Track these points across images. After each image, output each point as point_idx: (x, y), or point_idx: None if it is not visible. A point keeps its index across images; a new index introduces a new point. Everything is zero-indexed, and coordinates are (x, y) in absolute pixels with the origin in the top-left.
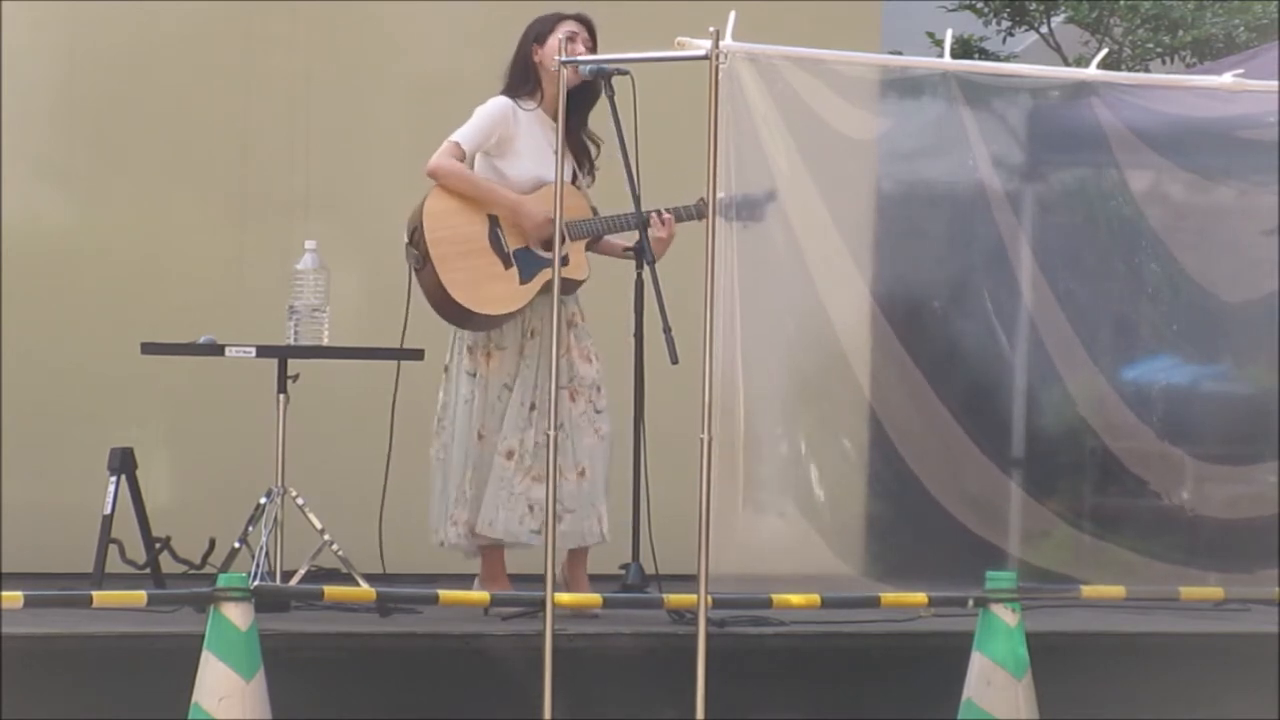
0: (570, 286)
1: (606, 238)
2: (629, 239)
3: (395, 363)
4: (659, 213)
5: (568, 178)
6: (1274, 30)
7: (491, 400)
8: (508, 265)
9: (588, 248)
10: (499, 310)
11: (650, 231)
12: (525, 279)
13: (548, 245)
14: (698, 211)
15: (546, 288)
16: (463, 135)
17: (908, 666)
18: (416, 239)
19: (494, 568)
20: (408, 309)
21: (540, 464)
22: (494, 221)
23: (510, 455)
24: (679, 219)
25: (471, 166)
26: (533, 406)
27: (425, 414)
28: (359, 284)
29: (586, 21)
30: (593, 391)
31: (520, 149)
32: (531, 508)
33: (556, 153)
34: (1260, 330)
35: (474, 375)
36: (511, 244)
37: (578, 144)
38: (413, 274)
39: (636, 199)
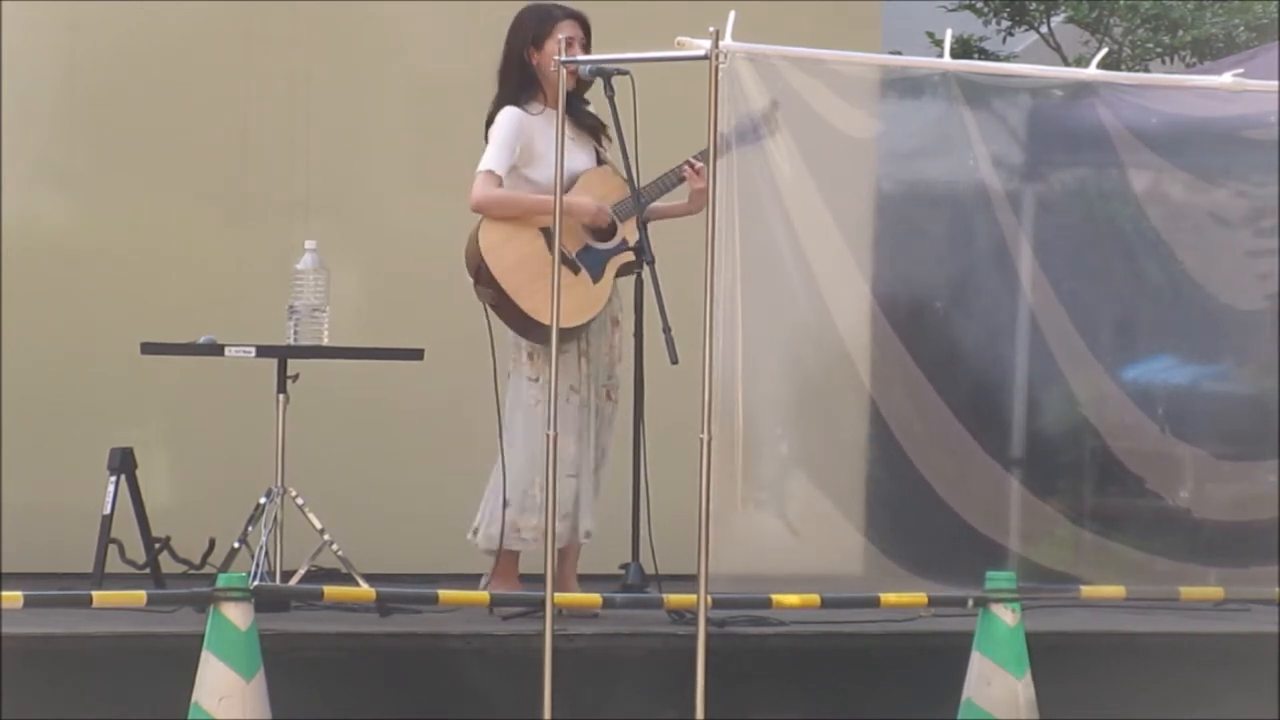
0: (634, 269)
1: (658, 206)
2: (679, 195)
3: (402, 363)
4: (690, 163)
5: (594, 164)
6: (1274, 30)
7: (560, 404)
8: (576, 271)
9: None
10: (589, 316)
11: (690, 184)
12: (596, 277)
13: (600, 234)
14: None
15: (620, 272)
16: (492, 161)
17: (908, 666)
18: (484, 277)
19: (508, 567)
20: (493, 347)
21: (583, 461)
22: (546, 234)
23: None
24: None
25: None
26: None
27: (425, 414)
28: (359, 284)
29: (581, 18)
30: (619, 390)
31: (540, 152)
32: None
33: (557, 152)
34: (1261, 331)
35: (537, 380)
36: (571, 249)
37: (589, 127)
38: (488, 310)
39: (637, 199)
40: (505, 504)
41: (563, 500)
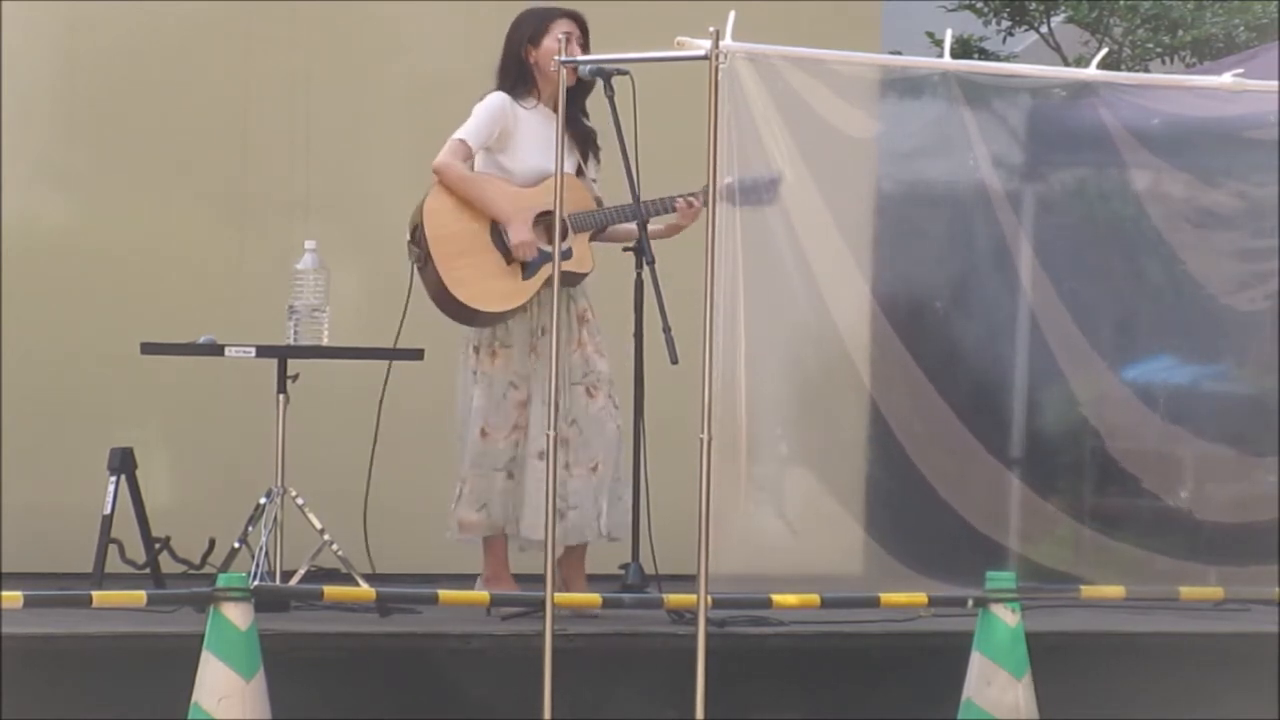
0: (575, 279)
1: (628, 227)
2: (657, 220)
3: (402, 363)
4: (688, 199)
5: (571, 170)
6: (1274, 30)
7: (496, 398)
8: (509, 261)
9: (592, 239)
10: (500, 307)
11: (675, 219)
12: (528, 275)
13: (547, 243)
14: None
15: (551, 282)
16: (467, 132)
17: (908, 666)
18: (418, 237)
19: (498, 567)
20: (406, 306)
21: (565, 457)
22: (494, 223)
23: (542, 457)
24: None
25: (476, 162)
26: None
27: (422, 413)
28: (359, 284)
29: (578, 18)
30: (610, 386)
31: (520, 143)
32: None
33: (557, 149)
34: (1261, 331)
35: (477, 374)
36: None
37: (580, 134)
38: (414, 272)
39: (636, 199)
40: (459, 497)
41: (482, 492)
